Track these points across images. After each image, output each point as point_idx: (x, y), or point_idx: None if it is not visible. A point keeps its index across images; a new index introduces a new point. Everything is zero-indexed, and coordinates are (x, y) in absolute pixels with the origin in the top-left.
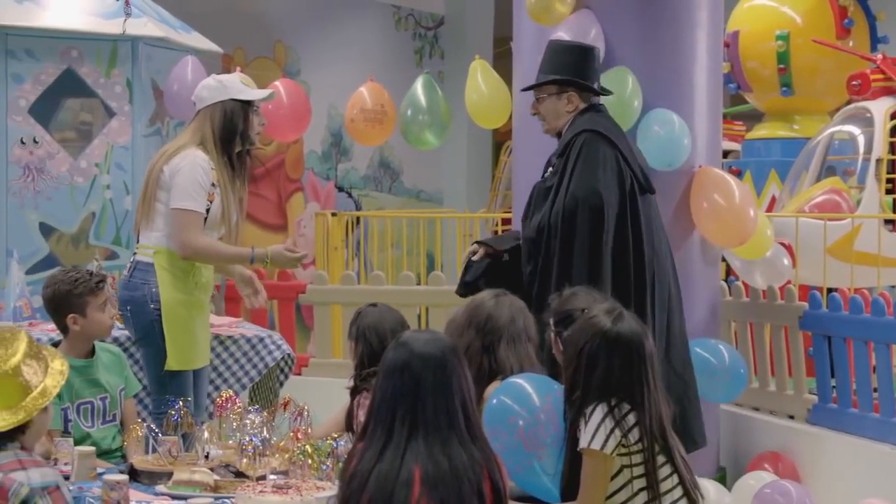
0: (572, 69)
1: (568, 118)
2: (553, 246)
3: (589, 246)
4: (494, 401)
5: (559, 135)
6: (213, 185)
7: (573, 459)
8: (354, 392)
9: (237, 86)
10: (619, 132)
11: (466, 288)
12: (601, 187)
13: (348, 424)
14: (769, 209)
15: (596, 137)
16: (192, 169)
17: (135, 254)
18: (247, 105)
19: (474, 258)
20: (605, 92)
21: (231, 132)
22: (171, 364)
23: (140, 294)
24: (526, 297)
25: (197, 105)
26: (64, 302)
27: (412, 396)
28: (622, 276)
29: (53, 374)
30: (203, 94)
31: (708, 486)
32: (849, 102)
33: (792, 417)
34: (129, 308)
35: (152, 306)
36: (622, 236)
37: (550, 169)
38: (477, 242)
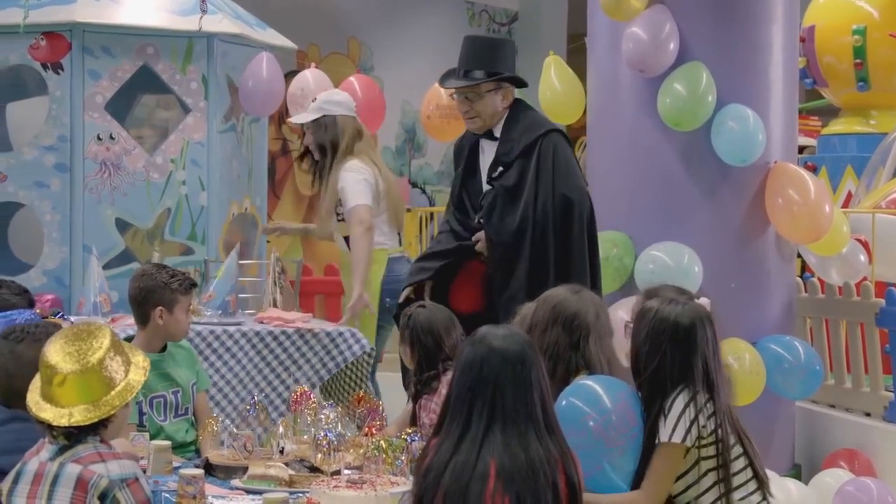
0: (507, 64)
1: (502, 114)
2: (546, 249)
3: (589, 247)
4: (563, 402)
5: (487, 132)
6: None
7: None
8: (416, 397)
9: None
10: None
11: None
12: (586, 188)
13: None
14: (845, 205)
15: (562, 137)
16: None
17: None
18: None
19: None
20: (524, 84)
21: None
22: None
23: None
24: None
25: (326, 109)
26: (157, 293)
27: (491, 390)
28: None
29: (136, 370)
30: (336, 103)
31: (790, 486)
32: None
33: (868, 415)
34: (387, 300)
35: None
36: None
37: (500, 168)
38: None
